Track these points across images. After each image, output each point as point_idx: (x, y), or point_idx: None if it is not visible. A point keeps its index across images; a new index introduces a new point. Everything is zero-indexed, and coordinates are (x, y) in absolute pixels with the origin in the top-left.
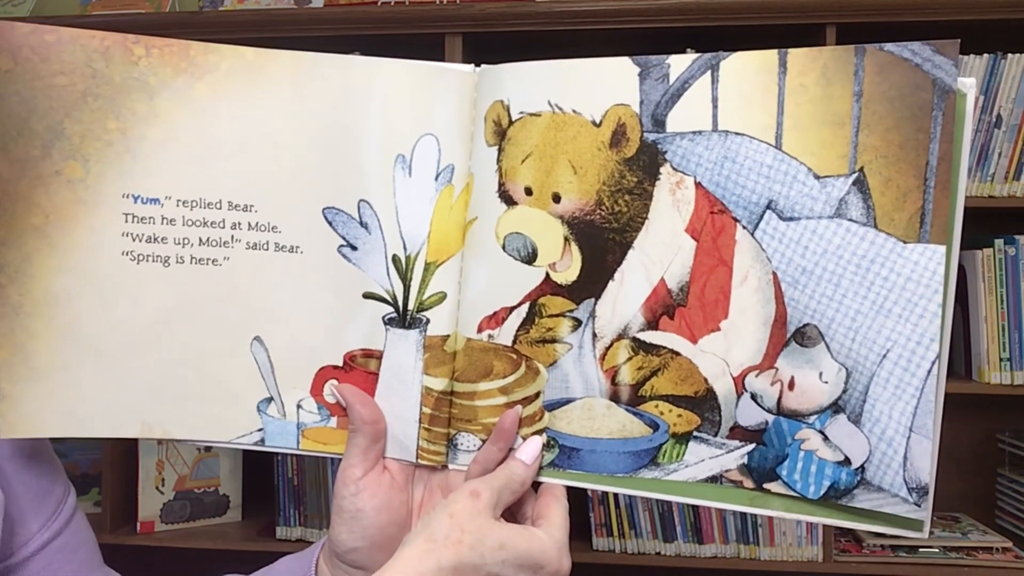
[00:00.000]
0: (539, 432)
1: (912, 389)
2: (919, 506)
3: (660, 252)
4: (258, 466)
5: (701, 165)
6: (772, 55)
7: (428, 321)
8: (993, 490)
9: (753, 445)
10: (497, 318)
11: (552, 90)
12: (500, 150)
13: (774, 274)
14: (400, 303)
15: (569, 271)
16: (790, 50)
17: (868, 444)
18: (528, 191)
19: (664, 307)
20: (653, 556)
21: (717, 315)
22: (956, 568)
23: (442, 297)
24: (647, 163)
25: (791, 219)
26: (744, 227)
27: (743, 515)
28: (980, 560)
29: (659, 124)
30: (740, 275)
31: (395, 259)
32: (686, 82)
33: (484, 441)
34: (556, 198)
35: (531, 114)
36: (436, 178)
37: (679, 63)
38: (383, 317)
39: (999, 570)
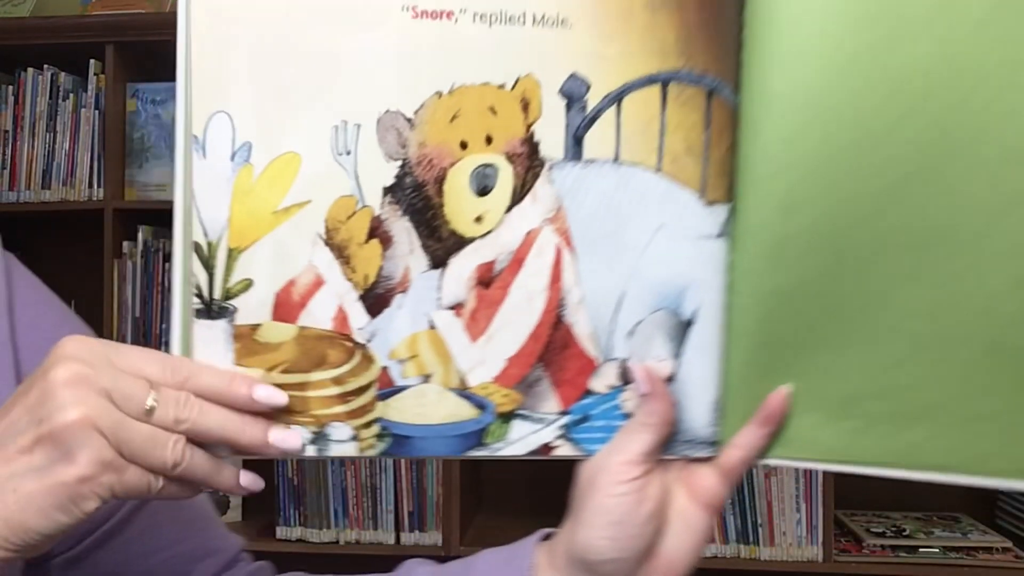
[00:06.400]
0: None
1: None
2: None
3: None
4: (258, 466)
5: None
6: None
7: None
8: (993, 490)
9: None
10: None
11: None
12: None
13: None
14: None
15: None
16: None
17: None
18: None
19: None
20: None
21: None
22: (956, 568)
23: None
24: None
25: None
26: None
27: (742, 515)
28: (980, 560)
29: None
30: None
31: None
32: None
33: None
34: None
35: None
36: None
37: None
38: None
39: (999, 570)
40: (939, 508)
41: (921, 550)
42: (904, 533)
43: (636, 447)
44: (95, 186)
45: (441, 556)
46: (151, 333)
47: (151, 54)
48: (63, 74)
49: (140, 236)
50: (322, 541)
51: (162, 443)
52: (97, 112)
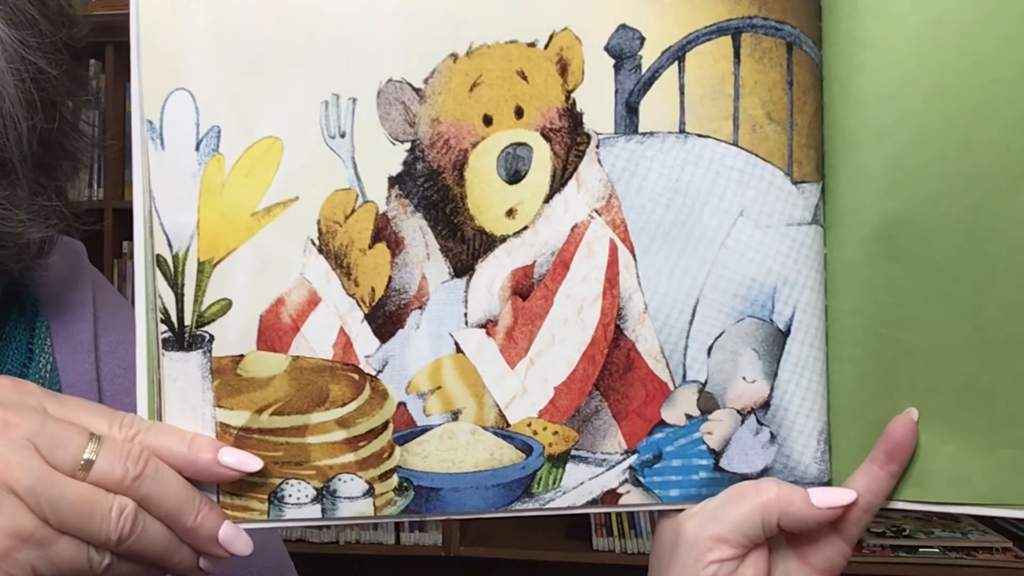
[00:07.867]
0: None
1: None
2: None
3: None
4: None
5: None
6: None
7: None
8: None
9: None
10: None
11: None
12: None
13: None
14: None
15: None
16: None
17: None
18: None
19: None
20: None
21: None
22: (956, 568)
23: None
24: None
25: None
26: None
27: None
28: (980, 560)
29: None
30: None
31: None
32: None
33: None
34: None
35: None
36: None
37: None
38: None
39: (999, 570)
40: None
41: (921, 550)
42: (904, 533)
43: (738, 521)
44: (95, 186)
45: (441, 557)
46: None
47: None
48: None
49: None
50: (322, 541)
51: (103, 508)
52: (97, 112)
